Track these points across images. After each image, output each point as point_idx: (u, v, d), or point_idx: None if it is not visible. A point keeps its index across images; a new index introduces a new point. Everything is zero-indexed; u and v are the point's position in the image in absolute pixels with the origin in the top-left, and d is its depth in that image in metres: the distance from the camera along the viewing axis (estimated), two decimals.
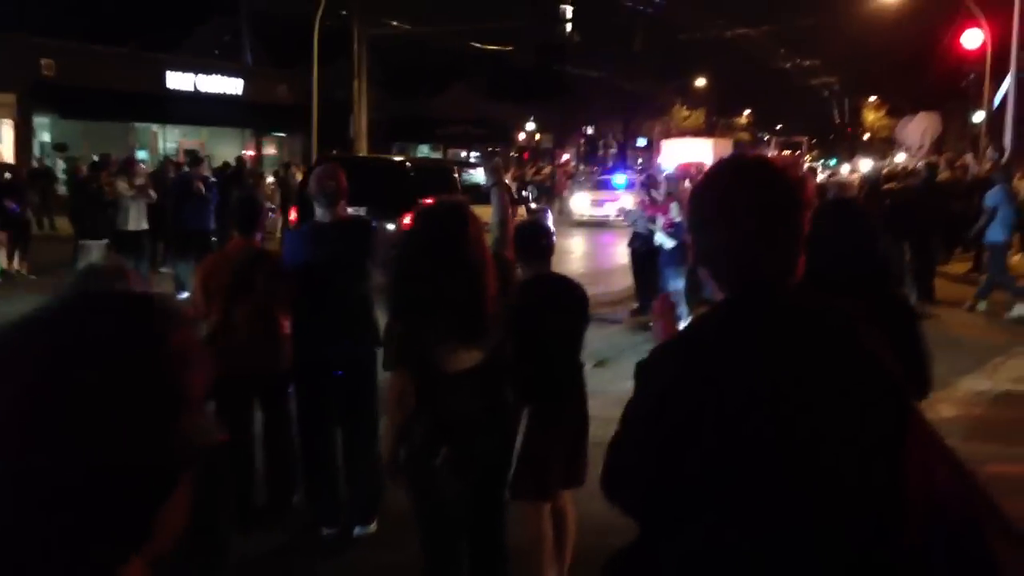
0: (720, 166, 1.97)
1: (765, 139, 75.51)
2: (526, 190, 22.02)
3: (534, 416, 4.12)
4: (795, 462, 1.59)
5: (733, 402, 1.62)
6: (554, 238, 4.59)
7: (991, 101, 26.97)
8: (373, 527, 5.09)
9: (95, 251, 13.14)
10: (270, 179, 22.88)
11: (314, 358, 4.94)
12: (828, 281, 2.03)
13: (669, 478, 1.66)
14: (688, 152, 37.43)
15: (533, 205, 18.49)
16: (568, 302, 4.37)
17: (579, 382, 4.42)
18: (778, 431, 1.60)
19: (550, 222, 12.61)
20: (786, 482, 1.58)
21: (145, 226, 13.57)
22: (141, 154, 27.91)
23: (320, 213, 5.00)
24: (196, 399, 1.08)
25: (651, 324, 3.81)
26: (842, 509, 1.57)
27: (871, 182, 16.51)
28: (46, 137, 27.74)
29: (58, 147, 25.91)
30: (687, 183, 12.44)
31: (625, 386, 1.80)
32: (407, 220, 3.63)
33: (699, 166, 28.79)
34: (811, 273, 1.83)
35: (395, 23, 32.16)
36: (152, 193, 13.74)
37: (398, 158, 18.79)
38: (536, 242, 4.35)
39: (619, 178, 30.89)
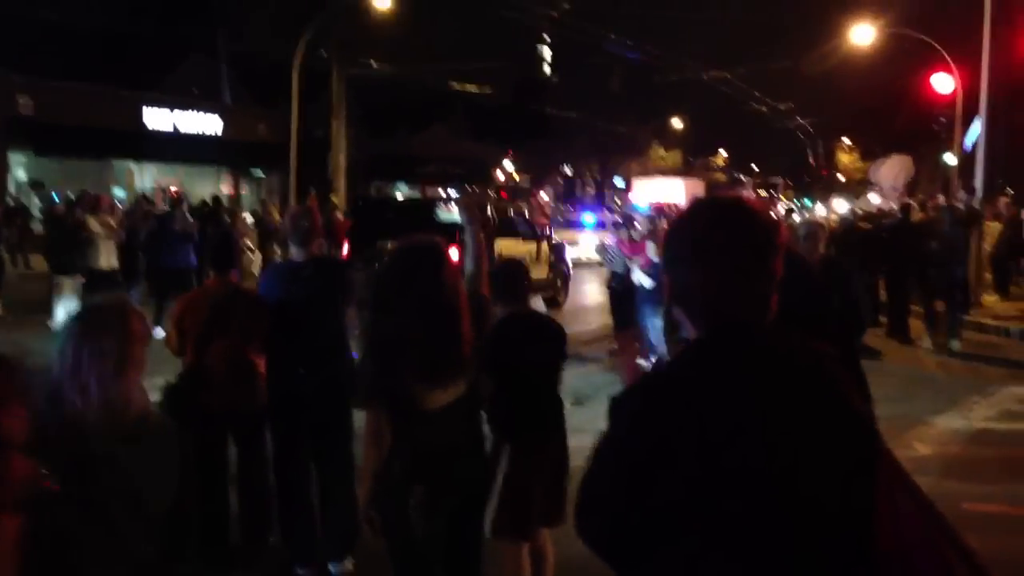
0: (695, 206, 1.97)
1: (741, 179, 76.22)
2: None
3: (514, 453, 4.11)
4: (778, 488, 1.62)
5: (716, 431, 1.63)
6: (568, 269, 4.70)
7: (962, 143, 27.38)
8: (349, 565, 5.03)
9: (67, 288, 13.04)
10: (248, 217, 22.81)
11: (288, 394, 4.93)
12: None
13: (639, 506, 1.67)
14: (661, 191, 38.36)
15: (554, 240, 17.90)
16: (545, 337, 4.40)
17: (559, 418, 4.42)
18: (762, 459, 1.63)
19: (567, 255, 12.56)
20: (770, 506, 1.61)
21: (115, 264, 13.46)
22: (118, 191, 27.79)
23: (295, 252, 5.05)
24: (10, 442, 1.09)
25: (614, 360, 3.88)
26: (822, 532, 1.61)
27: (846, 223, 16.70)
28: (22, 174, 27.58)
29: (34, 184, 25.76)
30: (664, 222, 12.53)
31: (603, 425, 1.80)
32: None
33: (673, 206, 29.04)
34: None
35: (374, 63, 32.36)
36: (121, 232, 13.65)
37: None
38: (514, 283, 4.38)
39: (588, 217, 31.14)
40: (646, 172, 59.11)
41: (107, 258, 13.31)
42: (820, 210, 37.80)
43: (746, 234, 1.77)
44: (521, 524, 4.15)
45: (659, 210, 26.62)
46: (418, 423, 3.38)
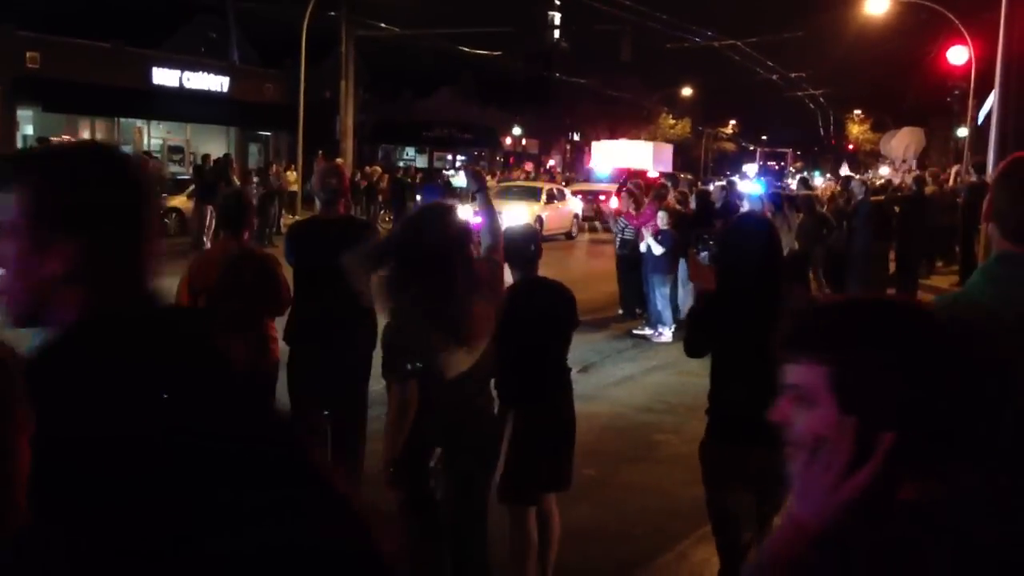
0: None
1: (751, 149, 75.90)
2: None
3: (521, 419, 4.12)
4: None
5: None
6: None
7: (975, 118, 27.19)
8: None
9: None
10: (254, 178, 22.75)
11: (308, 357, 4.89)
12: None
13: None
14: (625, 156, 34.89)
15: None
16: (556, 306, 4.39)
17: (566, 386, 4.43)
18: None
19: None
20: None
21: None
22: (125, 149, 27.72)
23: (321, 210, 5.07)
24: None
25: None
26: None
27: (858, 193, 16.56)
28: (29, 130, 27.51)
29: (41, 140, 25.67)
30: (672, 194, 12.52)
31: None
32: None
33: (639, 172, 28.58)
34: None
35: (383, 25, 32.09)
36: None
37: None
38: (525, 248, 4.37)
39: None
40: (655, 140, 58.86)
41: None
42: (818, 180, 37.11)
43: None
44: (527, 489, 4.18)
45: (624, 176, 26.24)
46: (441, 388, 3.40)
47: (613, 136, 51.22)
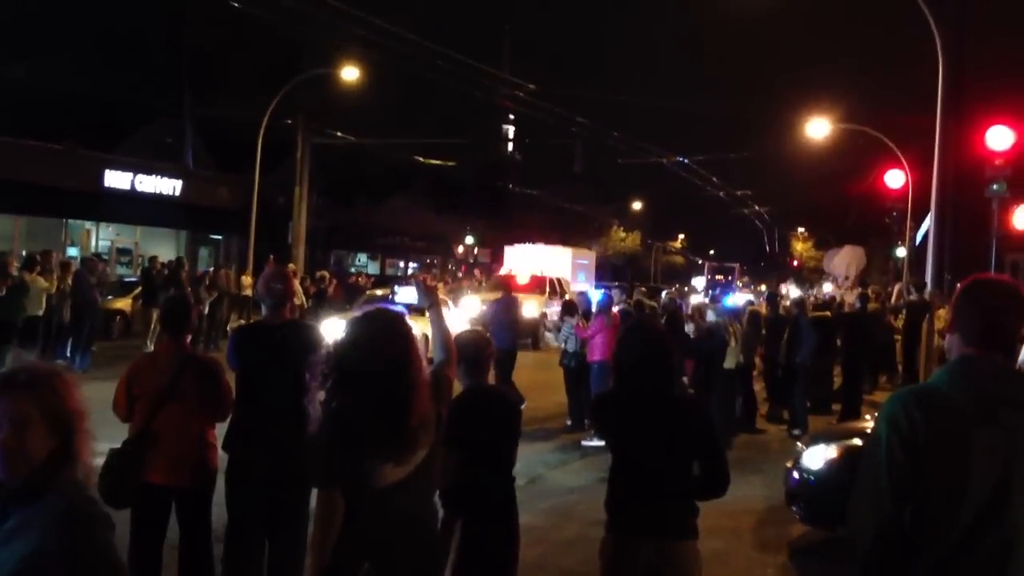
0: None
1: (699, 263, 77.36)
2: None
3: (466, 529, 4.06)
4: None
5: None
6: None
7: (913, 238, 28.09)
8: None
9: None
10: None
11: (249, 460, 4.76)
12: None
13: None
14: (540, 262, 30.83)
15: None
16: (500, 414, 4.37)
17: (510, 497, 4.36)
18: None
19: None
20: None
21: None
22: (71, 251, 27.41)
23: (267, 315, 5.02)
24: None
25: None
26: None
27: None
28: None
29: None
30: (615, 308, 12.65)
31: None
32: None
33: (558, 279, 28.42)
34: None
35: (339, 134, 32.60)
36: None
37: None
38: (475, 355, 4.35)
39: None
40: (605, 253, 59.75)
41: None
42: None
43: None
44: None
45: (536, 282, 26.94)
46: (370, 500, 3.31)
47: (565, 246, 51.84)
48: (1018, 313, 2.69)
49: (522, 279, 27.35)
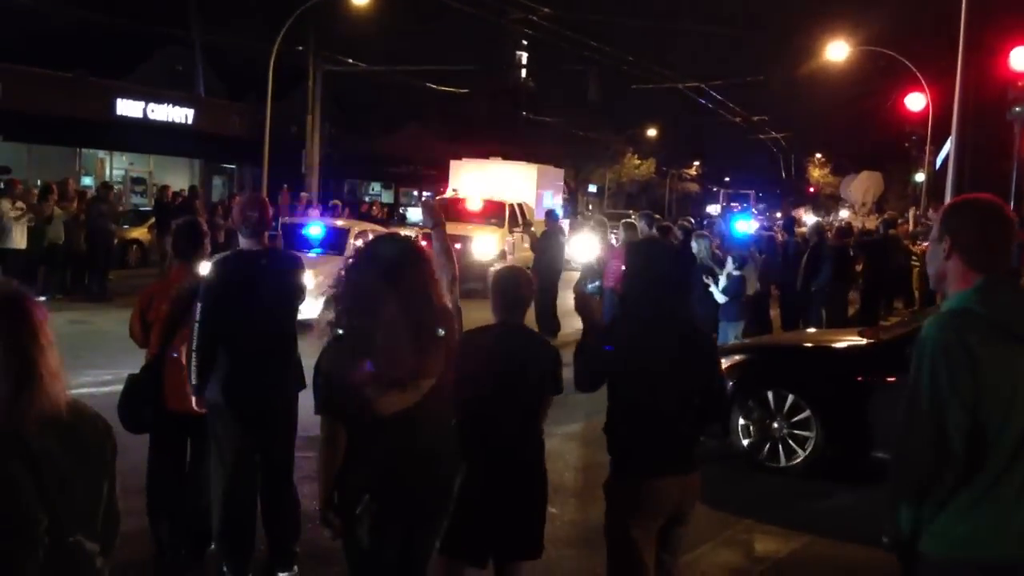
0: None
1: (714, 190, 76.79)
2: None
3: (472, 471, 3.70)
4: None
5: None
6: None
7: (932, 163, 27.74)
8: (295, 571, 4.87)
9: None
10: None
11: (243, 385, 4.69)
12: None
13: None
14: (495, 183, 24.18)
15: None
16: (529, 363, 3.95)
17: (533, 445, 3.99)
18: None
19: None
20: None
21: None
22: (86, 180, 27.40)
23: (245, 243, 4.85)
24: None
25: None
26: None
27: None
28: None
29: (1, 170, 25.30)
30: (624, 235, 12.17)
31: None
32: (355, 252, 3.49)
33: (520, 204, 22.16)
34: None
35: (351, 61, 32.18)
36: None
37: None
38: (508, 291, 4.01)
39: None
40: (620, 180, 59.31)
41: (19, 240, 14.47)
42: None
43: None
44: (470, 547, 3.81)
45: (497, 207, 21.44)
46: (373, 429, 3.24)
47: (579, 175, 51.15)
48: (1012, 229, 2.72)
49: (472, 204, 21.86)
